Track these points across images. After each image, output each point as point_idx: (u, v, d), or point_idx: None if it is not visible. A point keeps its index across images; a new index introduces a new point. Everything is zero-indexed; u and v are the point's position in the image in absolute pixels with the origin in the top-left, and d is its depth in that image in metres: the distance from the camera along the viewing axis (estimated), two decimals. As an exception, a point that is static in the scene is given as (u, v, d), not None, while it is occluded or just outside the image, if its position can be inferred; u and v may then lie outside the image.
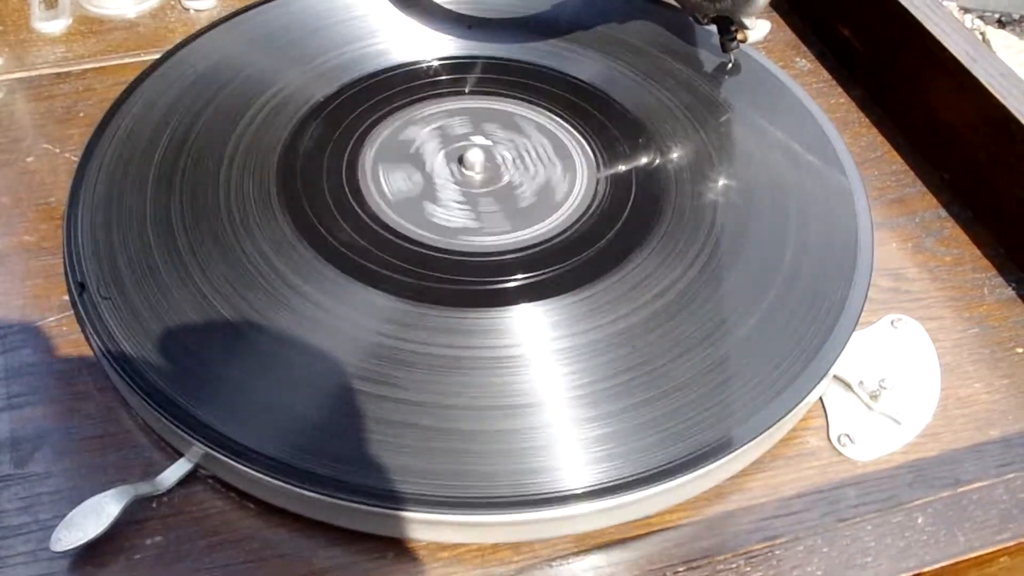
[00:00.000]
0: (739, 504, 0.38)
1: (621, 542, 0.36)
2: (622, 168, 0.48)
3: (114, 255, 0.43)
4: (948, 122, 0.52)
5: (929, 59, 0.52)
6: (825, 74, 0.59)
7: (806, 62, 0.60)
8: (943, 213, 0.51)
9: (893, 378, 0.41)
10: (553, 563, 0.36)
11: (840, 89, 0.58)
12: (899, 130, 0.55)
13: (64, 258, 0.43)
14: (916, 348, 0.43)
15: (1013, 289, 0.47)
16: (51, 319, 0.43)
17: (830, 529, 0.31)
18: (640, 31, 0.56)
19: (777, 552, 0.31)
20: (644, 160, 0.49)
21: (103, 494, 0.36)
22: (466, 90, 0.52)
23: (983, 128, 0.50)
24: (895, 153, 0.54)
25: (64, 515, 0.35)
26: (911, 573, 0.31)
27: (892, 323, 0.44)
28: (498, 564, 0.36)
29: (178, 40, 0.54)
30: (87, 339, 0.41)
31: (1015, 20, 1.46)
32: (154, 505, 0.37)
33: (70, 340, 0.42)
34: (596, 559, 0.36)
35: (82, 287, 0.40)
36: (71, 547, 0.34)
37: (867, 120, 0.56)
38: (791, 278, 0.43)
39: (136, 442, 0.39)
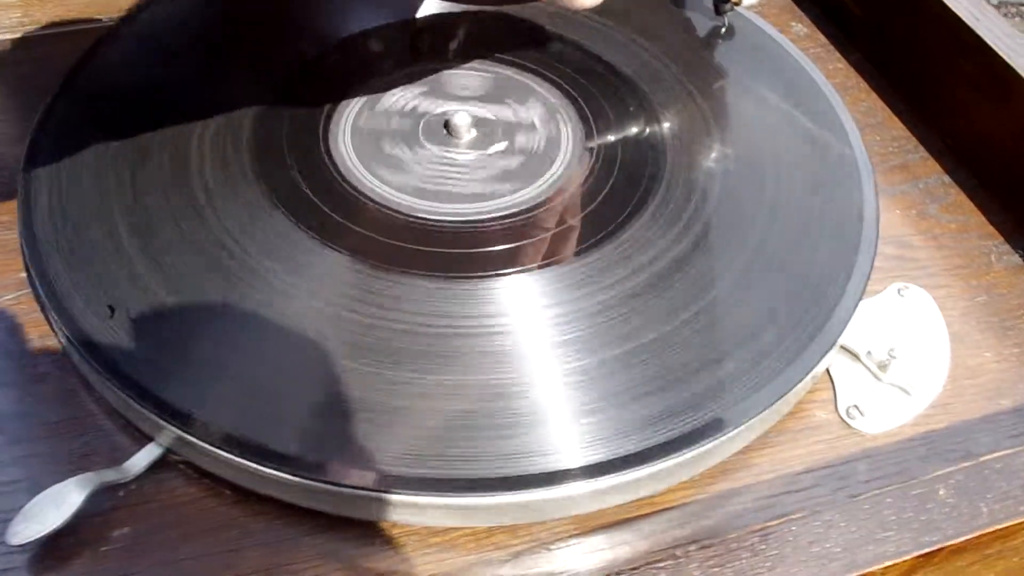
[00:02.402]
0: (745, 481, 0.36)
1: (624, 522, 0.34)
2: (613, 134, 0.46)
3: (74, 229, 0.40)
4: (950, 85, 0.50)
5: (930, 20, 0.50)
6: (822, 38, 0.57)
7: (802, 26, 0.57)
8: (947, 179, 0.49)
9: (902, 347, 0.39)
10: (552, 546, 0.34)
11: (838, 54, 0.56)
12: (899, 95, 0.53)
13: (20, 233, 0.41)
14: (924, 317, 0.42)
15: (1020, 256, 0.45)
16: (8, 297, 0.40)
17: (848, 503, 0.29)
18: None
19: (794, 528, 0.29)
20: (636, 126, 0.46)
21: (64, 482, 0.33)
22: (450, 54, 0.49)
23: (988, 91, 0.48)
24: (896, 119, 0.52)
25: (22, 506, 0.32)
26: (933, 548, 0.29)
27: (899, 291, 0.42)
28: (494, 548, 0.34)
29: (142, 1, 0.51)
30: (46, 317, 0.39)
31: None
32: (121, 493, 0.34)
33: (29, 319, 0.40)
34: (598, 541, 0.34)
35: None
36: (29, 540, 0.32)
37: (866, 85, 0.54)
38: (795, 246, 0.41)
39: (101, 426, 0.37)
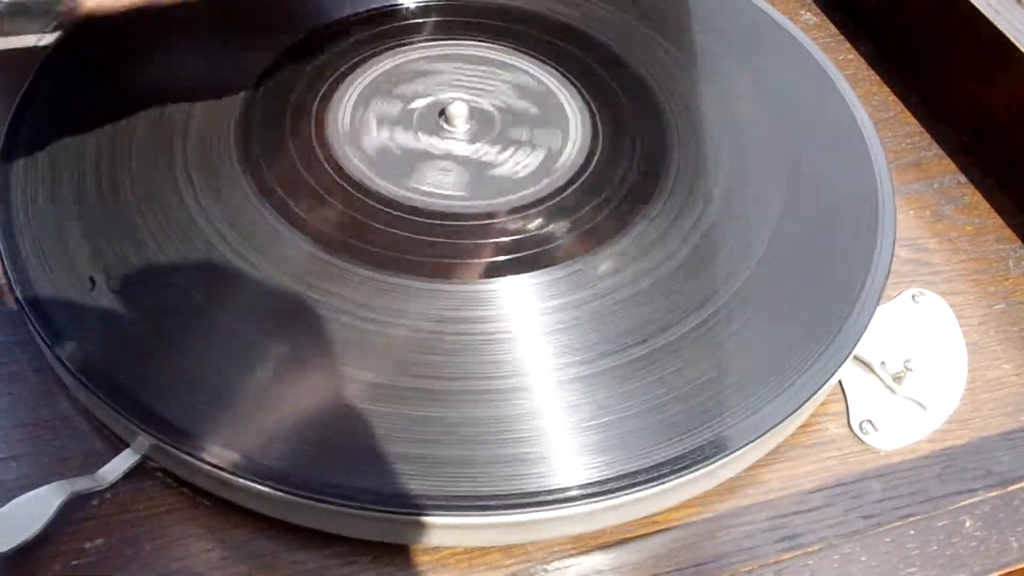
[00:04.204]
0: (753, 499, 0.34)
1: (624, 542, 0.32)
2: (618, 127, 0.44)
3: (51, 220, 0.38)
4: (966, 79, 0.48)
5: (946, 10, 0.48)
6: (832, 28, 0.55)
7: (811, 15, 0.55)
8: (962, 179, 0.47)
9: (917, 358, 0.38)
10: (549, 566, 0.32)
11: (848, 44, 0.54)
12: (912, 88, 0.51)
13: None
14: (940, 325, 0.40)
15: (1040, 261, 0.43)
16: (-19, 292, 0.38)
17: (868, 534, 0.28)
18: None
19: (810, 563, 0.27)
20: (642, 118, 0.44)
21: (35, 491, 0.31)
22: (450, 39, 0.47)
23: (1006, 86, 0.46)
24: (909, 113, 0.50)
25: (-10, 514, 0.31)
26: (958, 584, 0.28)
27: (913, 297, 0.41)
28: (486, 568, 0.32)
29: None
30: (21, 313, 0.37)
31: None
32: (95, 503, 0.33)
33: (1, 315, 0.38)
34: (597, 561, 0.32)
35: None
36: (-3, 553, 0.30)
37: (878, 78, 0.52)
38: (807, 247, 0.39)
39: (77, 430, 0.35)
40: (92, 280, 0.35)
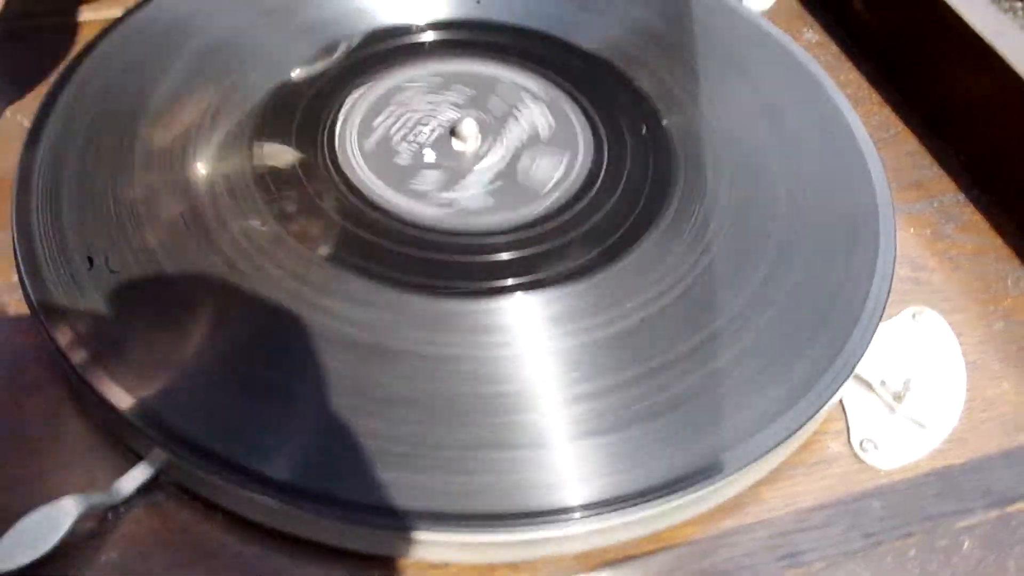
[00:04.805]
0: (756, 516, 0.34)
1: (628, 559, 0.33)
2: (619, 148, 0.44)
3: (70, 231, 0.38)
4: (967, 101, 0.49)
5: (947, 32, 0.49)
6: (834, 47, 0.55)
7: (813, 34, 0.56)
8: (962, 198, 0.48)
9: (917, 377, 0.38)
10: (555, 583, 0.32)
11: (850, 64, 0.54)
12: (913, 109, 0.52)
13: (12, 234, 0.39)
14: (939, 344, 0.40)
15: (1039, 281, 0.44)
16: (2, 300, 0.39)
17: (869, 552, 0.28)
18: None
19: (813, 581, 0.28)
20: (642, 138, 0.45)
21: (49, 505, 0.32)
22: (471, 57, 0.48)
23: (1005, 108, 0.46)
24: (909, 133, 0.51)
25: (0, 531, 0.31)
26: (956, 603, 0.28)
27: (913, 316, 0.41)
28: (494, 584, 0.32)
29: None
30: (36, 323, 0.37)
31: None
32: (109, 517, 0.33)
33: (20, 326, 0.38)
34: (602, 578, 0.33)
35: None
36: (15, 567, 0.30)
37: (879, 97, 0.53)
38: (808, 266, 0.40)
39: (91, 443, 0.35)
40: (91, 260, 0.36)
